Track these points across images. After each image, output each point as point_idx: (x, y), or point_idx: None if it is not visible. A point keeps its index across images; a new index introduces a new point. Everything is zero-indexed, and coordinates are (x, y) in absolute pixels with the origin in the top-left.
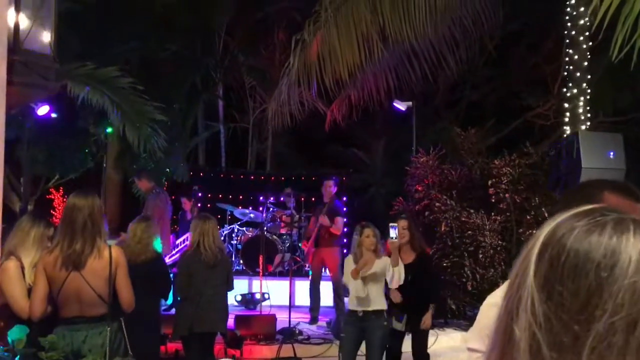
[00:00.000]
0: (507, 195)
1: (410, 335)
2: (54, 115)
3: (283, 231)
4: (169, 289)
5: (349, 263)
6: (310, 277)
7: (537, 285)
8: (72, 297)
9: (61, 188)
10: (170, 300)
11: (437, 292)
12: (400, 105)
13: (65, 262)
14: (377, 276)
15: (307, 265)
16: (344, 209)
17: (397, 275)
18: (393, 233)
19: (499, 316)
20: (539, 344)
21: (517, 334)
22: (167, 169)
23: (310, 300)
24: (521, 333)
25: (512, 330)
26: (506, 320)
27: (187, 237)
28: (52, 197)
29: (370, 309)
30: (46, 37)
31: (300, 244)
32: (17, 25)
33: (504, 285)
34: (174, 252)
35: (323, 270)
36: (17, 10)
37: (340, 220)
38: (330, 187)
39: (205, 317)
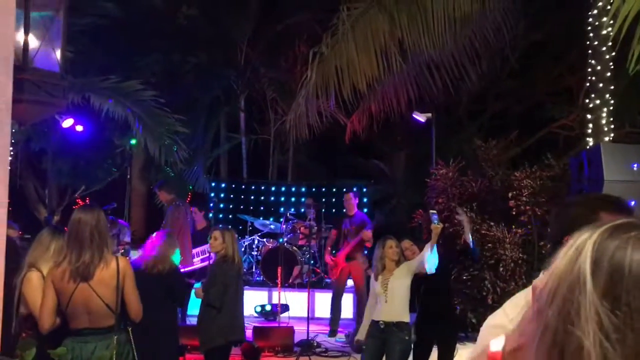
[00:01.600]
0: (527, 207)
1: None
2: (79, 127)
3: (302, 242)
4: (185, 300)
5: (372, 282)
6: (334, 290)
7: (599, 296)
8: (80, 309)
9: (87, 198)
10: (191, 310)
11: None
12: (420, 117)
13: (74, 274)
14: (399, 286)
15: (327, 277)
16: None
17: (431, 259)
18: (435, 218)
19: (537, 322)
20: (611, 356)
21: (586, 345)
22: (189, 181)
23: (331, 312)
24: (590, 345)
25: (567, 338)
26: (557, 326)
27: (204, 249)
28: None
29: (391, 320)
30: (55, 55)
31: (321, 255)
32: (26, 44)
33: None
34: (195, 264)
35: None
36: (27, 30)
37: (370, 232)
38: (351, 200)
39: (241, 326)
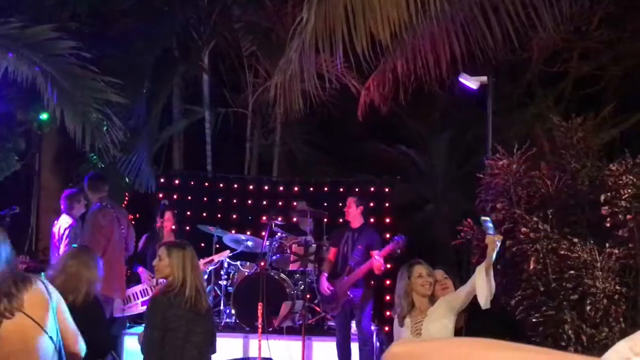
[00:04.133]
0: (629, 217)
1: None
2: None
3: (294, 267)
4: (106, 344)
5: (396, 330)
6: (338, 334)
7: None
8: (14, 348)
9: None
10: None
11: None
12: (470, 82)
13: None
14: (439, 330)
15: (329, 318)
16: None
17: (486, 287)
18: (490, 226)
19: None
20: None
21: None
22: (126, 175)
23: None
24: None
25: None
26: None
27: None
28: None
29: None
30: None
31: (317, 285)
32: None
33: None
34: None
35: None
36: None
37: (379, 259)
38: (354, 207)
39: None
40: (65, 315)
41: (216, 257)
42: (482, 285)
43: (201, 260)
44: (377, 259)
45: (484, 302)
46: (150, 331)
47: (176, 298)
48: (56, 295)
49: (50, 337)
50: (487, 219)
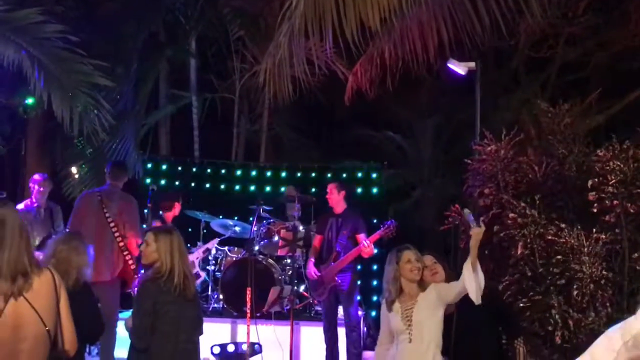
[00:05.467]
0: (616, 202)
1: None
2: None
3: (282, 253)
4: (97, 331)
5: (385, 315)
6: (325, 319)
7: None
8: (7, 337)
9: None
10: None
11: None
12: (458, 68)
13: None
14: (428, 318)
15: (316, 302)
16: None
17: (475, 283)
18: (472, 219)
19: None
20: None
21: None
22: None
23: (327, 352)
24: None
25: None
26: None
27: None
28: None
29: None
30: None
31: (305, 271)
32: None
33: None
34: None
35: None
36: None
37: (368, 243)
38: (335, 193)
39: None
40: (67, 311)
41: (210, 245)
42: (470, 282)
43: (199, 249)
44: (366, 245)
45: (475, 297)
46: (140, 317)
47: (166, 284)
48: (63, 289)
49: (48, 331)
50: (468, 211)
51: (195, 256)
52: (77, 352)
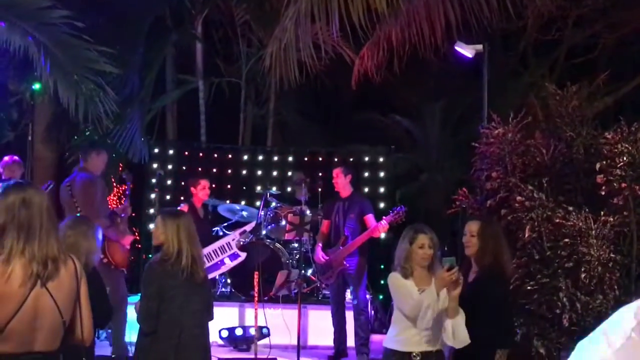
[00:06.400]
0: (624, 185)
1: None
2: None
3: (289, 237)
4: (106, 316)
5: (399, 282)
6: (333, 302)
7: None
8: (27, 325)
9: None
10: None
11: (508, 331)
12: (466, 51)
13: (27, 274)
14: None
15: (323, 286)
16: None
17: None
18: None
19: None
20: None
21: None
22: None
23: (335, 332)
24: None
25: None
26: None
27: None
28: None
29: (431, 348)
30: None
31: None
32: None
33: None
34: None
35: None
36: None
37: (386, 225)
38: (342, 178)
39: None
40: (86, 300)
41: (247, 227)
42: (448, 330)
43: (236, 231)
44: (384, 224)
45: (450, 341)
46: (146, 301)
47: (173, 267)
48: (84, 279)
49: (64, 322)
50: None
51: (232, 237)
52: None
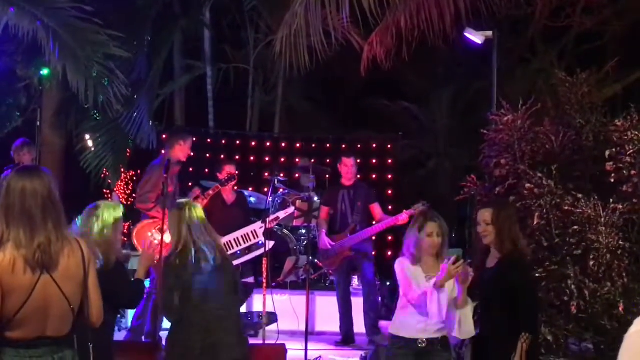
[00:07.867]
0: (633, 172)
1: None
2: None
3: (297, 223)
4: (130, 302)
5: (406, 268)
6: (338, 289)
7: None
8: (37, 312)
9: None
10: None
11: (532, 315)
12: (475, 37)
13: (31, 263)
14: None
15: (331, 272)
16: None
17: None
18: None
19: None
20: None
21: None
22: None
23: (341, 319)
24: None
25: None
26: None
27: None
28: None
29: (436, 335)
30: None
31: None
32: None
33: None
34: None
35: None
36: None
37: (379, 207)
38: (351, 167)
39: (221, 344)
40: (95, 285)
41: (281, 214)
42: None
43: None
44: (404, 218)
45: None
46: (165, 293)
47: (180, 259)
48: (92, 264)
49: (72, 309)
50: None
51: (258, 225)
52: (108, 326)
